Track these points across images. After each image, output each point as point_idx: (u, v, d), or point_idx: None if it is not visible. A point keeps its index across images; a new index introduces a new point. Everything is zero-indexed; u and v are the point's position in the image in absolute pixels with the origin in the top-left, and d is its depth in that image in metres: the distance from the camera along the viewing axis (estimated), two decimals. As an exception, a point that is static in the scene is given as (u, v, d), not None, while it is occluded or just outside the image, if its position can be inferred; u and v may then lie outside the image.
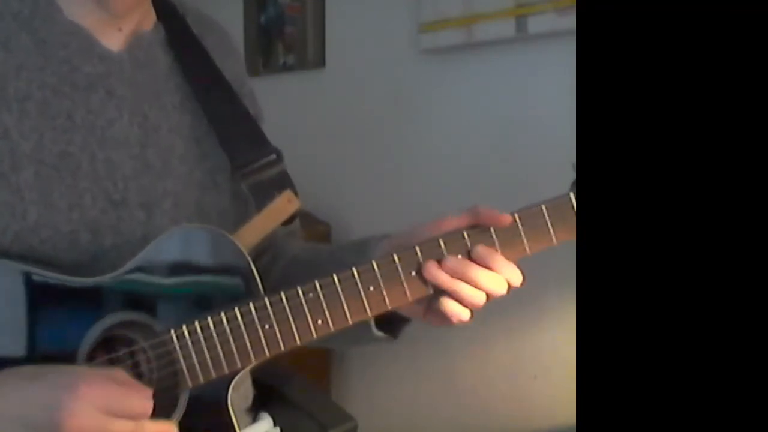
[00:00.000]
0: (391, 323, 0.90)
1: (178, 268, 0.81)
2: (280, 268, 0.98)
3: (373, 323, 0.88)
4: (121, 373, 0.76)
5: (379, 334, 0.89)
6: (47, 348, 0.77)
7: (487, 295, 0.83)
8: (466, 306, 0.83)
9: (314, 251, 1.01)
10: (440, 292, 0.83)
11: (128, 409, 0.73)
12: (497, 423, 1.65)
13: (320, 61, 2.06)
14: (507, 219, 0.84)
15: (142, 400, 0.74)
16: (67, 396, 0.70)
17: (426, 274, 0.82)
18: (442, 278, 0.82)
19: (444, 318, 0.84)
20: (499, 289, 0.83)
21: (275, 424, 1.02)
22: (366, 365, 1.95)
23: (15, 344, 0.77)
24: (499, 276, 0.83)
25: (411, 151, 1.82)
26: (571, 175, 0.84)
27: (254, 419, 1.00)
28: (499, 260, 0.83)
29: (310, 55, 2.07)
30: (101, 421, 0.70)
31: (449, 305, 0.83)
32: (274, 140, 0.95)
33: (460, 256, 0.83)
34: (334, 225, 1.99)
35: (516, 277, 0.84)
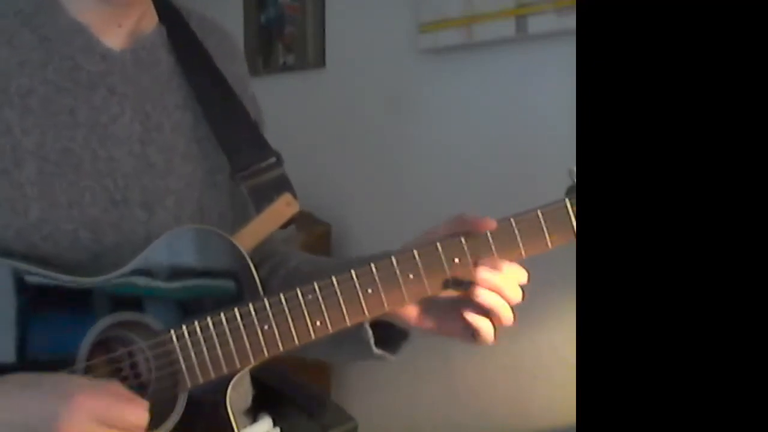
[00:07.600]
0: (389, 338, 0.90)
1: (178, 271, 0.81)
2: (281, 278, 0.98)
3: (372, 342, 0.88)
4: (117, 386, 0.75)
5: (378, 352, 0.89)
6: (42, 351, 0.77)
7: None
8: (494, 320, 0.83)
9: (316, 264, 1.00)
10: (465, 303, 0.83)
11: (124, 421, 0.72)
12: (497, 423, 1.65)
13: (320, 61, 2.06)
14: (492, 224, 0.83)
15: (138, 412, 0.73)
16: (63, 405, 0.70)
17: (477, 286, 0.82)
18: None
19: (461, 331, 0.84)
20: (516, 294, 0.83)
21: (275, 424, 1.02)
22: (366, 366, 1.94)
23: (3, 349, 0.76)
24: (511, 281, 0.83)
25: (411, 151, 1.82)
26: (568, 181, 0.85)
27: (254, 419, 1.00)
28: (506, 265, 0.83)
29: (310, 55, 2.08)
30: None
31: (479, 320, 0.83)
32: (273, 140, 0.95)
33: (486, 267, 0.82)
34: (334, 225, 1.99)
35: (522, 276, 0.84)
